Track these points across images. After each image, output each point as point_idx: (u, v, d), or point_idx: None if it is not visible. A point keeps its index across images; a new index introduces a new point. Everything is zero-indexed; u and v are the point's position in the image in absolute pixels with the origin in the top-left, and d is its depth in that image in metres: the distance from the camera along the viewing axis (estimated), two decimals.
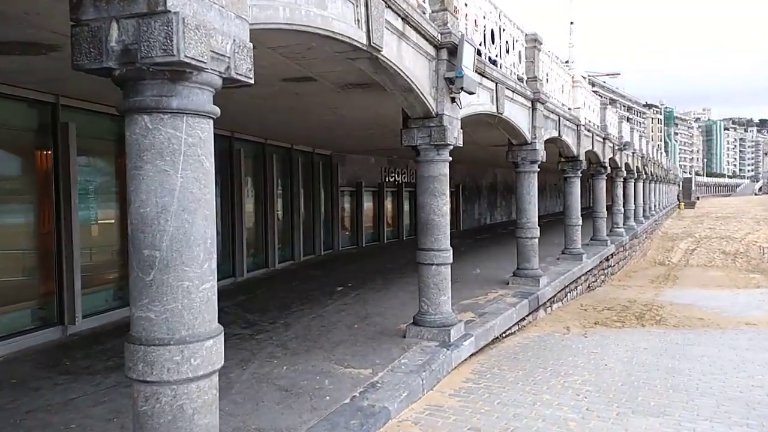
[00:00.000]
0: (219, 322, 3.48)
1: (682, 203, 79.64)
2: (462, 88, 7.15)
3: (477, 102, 8.62)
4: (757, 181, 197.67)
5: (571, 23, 15.92)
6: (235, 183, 12.11)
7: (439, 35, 6.90)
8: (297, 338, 7.52)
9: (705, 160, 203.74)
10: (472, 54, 7.30)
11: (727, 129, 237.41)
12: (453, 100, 7.37)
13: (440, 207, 7.40)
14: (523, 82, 10.91)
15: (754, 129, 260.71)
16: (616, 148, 22.33)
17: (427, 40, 6.71)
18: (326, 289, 11.16)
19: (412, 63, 6.38)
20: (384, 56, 5.45)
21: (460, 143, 7.59)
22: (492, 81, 9.22)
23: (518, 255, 11.64)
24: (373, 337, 7.56)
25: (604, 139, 19.58)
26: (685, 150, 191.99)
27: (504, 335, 9.10)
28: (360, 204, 19.08)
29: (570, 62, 15.16)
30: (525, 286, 11.27)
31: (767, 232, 45.41)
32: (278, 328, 8.09)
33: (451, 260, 7.51)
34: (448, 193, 7.51)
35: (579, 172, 15.70)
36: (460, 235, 24.12)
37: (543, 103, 11.70)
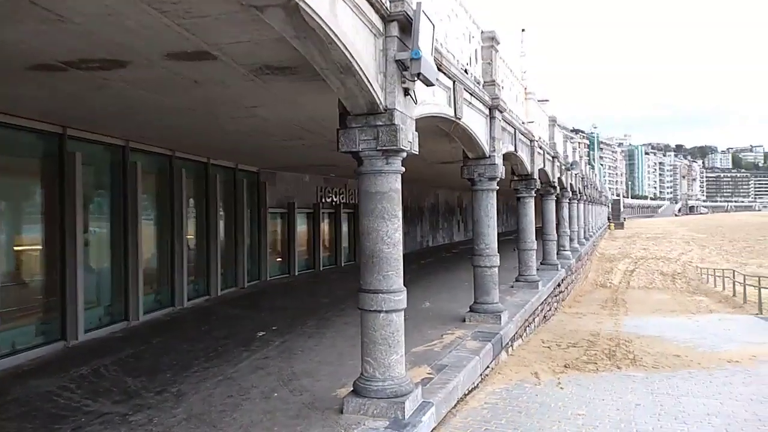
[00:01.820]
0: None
1: (612, 224, 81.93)
2: (419, 76, 5.34)
3: (432, 101, 6.85)
4: (677, 203, 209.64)
5: (523, 30, 14.63)
6: (129, 203, 9.77)
7: (388, 1, 5.08)
8: (189, 420, 5.33)
9: (628, 182, 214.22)
10: (430, 33, 5.52)
11: (648, 153, 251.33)
12: (406, 92, 5.54)
13: (391, 233, 5.50)
14: (480, 85, 9.29)
15: (672, 153, 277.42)
16: (564, 167, 21.36)
17: (372, 5, 4.86)
18: (244, 335, 8.97)
19: (351, 30, 4.50)
20: (308, 4, 3.54)
21: (415, 150, 5.77)
22: (450, 78, 7.50)
23: (476, 286, 9.91)
24: (299, 413, 5.49)
25: (553, 157, 18.47)
26: (610, 173, 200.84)
27: (467, 392, 7.24)
28: (292, 227, 16.93)
29: (522, 72, 13.84)
30: (485, 324, 9.53)
31: (699, 252, 46.68)
32: (166, 401, 5.86)
33: (404, 305, 5.60)
34: (400, 215, 5.63)
35: (533, 192, 14.31)
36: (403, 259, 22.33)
37: (502, 112, 10.14)
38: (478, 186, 9.76)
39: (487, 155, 9.63)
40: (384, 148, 5.34)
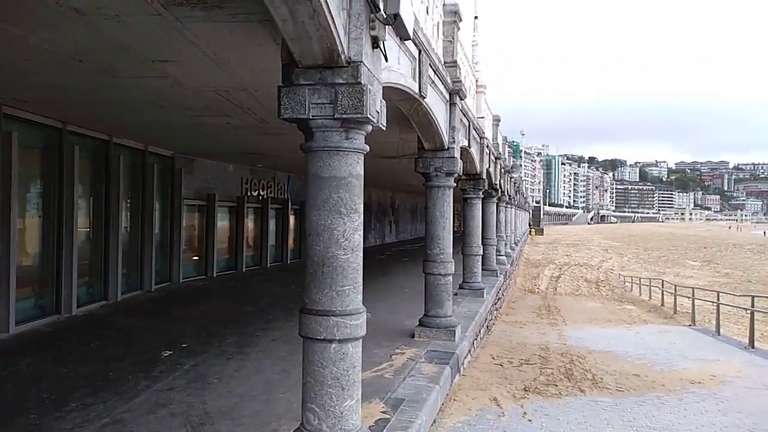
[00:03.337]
0: None
1: (533, 230, 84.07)
2: (395, 19, 3.92)
3: (397, 69, 5.45)
4: (589, 212, 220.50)
5: (476, 18, 13.58)
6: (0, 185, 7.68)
7: None
8: None
9: (546, 191, 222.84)
10: None
11: (564, 164, 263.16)
12: (375, 43, 4.09)
13: (349, 234, 4.02)
14: (441, 64, 7.99)
15: (585, 165, 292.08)
16: (504, 170, 20.67)
17: None
18: (145, 354, 7.16)
19: None
20: None
21: (383, 124, 4.33)
22: (416, 46, 6.12)
23: (427, 297, 8.61)
24: None
25: (496, 158, 17.61)
26: (528, 181, 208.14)
27: None
28: (211, 222, 14.97)
29: (475, 63, 12.81)
30: (437, 341, 8.26)
31: (618, 260, 48.20)
32: None
33: (364, 331, 4.14)
34: (361, 209, 4.16)
35: (481, 193, 13.30)
36: None
37: (462, 99, 8.92)
38: (434, 182, 8.46)
39: (446, 147, 8.35)
40: (344, 116, 3.87)
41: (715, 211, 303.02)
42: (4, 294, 7.79)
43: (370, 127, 4.13)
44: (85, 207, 10.02)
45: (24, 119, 8.20)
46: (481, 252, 13.20)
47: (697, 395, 8.50)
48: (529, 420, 6.97)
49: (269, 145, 11.68)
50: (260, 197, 17.64)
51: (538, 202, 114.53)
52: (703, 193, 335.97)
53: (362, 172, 4.16)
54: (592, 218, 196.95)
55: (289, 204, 19.43)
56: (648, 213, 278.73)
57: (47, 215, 9.04)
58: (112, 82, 6.29)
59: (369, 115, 3.90)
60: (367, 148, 4.17)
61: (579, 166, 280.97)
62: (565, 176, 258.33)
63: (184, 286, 13.20)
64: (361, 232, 4.16)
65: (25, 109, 8.11)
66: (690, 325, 17.12)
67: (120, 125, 9.70)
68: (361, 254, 4.16)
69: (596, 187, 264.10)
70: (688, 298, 19.26)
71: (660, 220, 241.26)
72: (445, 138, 8.24)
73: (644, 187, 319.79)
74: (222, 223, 15.76)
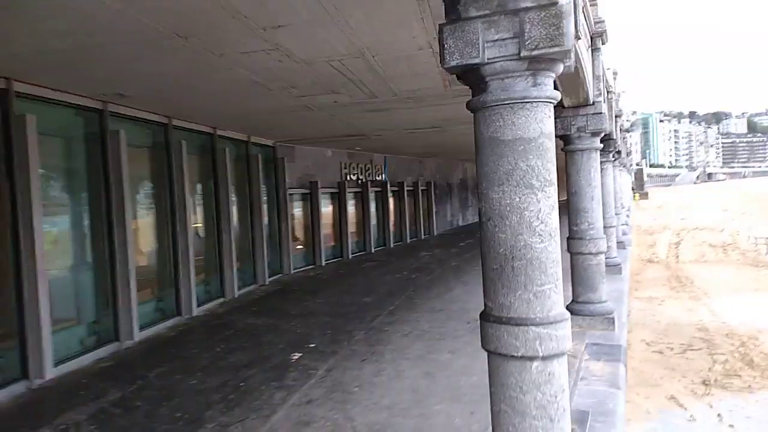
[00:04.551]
0: None
1: (638, 194, 78.64)
2: None
3: None
4: (694, 170, 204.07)
5: None
6: (113, 186, 7.36)
7: None
8: None
9: (645, 151, 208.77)
10: None
11: (662, 121, 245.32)
12: None
13: (544, 215, 3.01)
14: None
15: (686, 120, 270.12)
16: (622, 129, 18.72)
17: None
18: (273, 359, 6.58)
19: None
20: None
21: (571, 64, 3.24)
22: None
23: (575, 280, 7.43)
24: None
25: (617, 116, 15.78)
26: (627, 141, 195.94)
27: None
28: (316, 211, 14.48)
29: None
30: (594, 331, 7.10)
31: (741, 220, 43.58)
32: None
33: (570, 344, 3.12)
34: (555, 181, 3.12)
35: (611, 156, 11.79)
36: (438, 242, 19.89)
37: (604, 43, 7.55)
38: (577, 144, 7.22)
39: (591, 101, 7.08)
40: (535, 52, 2.83)
41: None
42: (126, 300, 7.51)
43: (561, 67, 3.07)
44: (195, 203, 9.69)
45: (129, 116, 7.84)
46: (614, 223, 11.74)
47: None
48: (731, 426, 5.70)
49: (374, 123, 10.83)
50: (360, 181, 16.98)
51: (638, 164, 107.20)
52: None
53: (554, 130, 3.11)
54: (698, 177, 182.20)
55: (387, 186, 18.67)
56: (760, 167, 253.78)
57: (159, 215, 8.75)
58: (217, 62, 5.62)
59: (566, 45, 2.83)
60: (559, 96, 3.11)
61: (679, 122, 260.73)
62: (663, 134, 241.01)
63: (295, 277, 12.80)
64: (557, 212, 3.13)
65: (130, 105, 7.74)
66: None
67: (224, 115, 9.20)
68: (559, 241, 3.13)
69: (700, 143, 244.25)
70: None
71: None
72: (591, 90, 6.97)
73: (754, 139, 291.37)
74: (325, 209, 15.26)
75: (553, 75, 3.06)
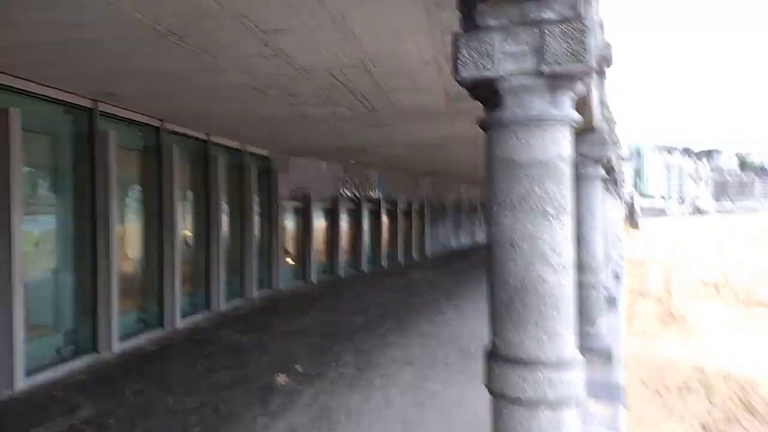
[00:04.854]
0: None
1: (628, 224, 78.90)
2: None
3: None
4: (683, 203, 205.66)
5: None
6: (99, 188, 7.07)
7: None
8: None
9: (636, 181, 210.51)
10: None
11: (654, 152, 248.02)
12: None
13: (559, 245, 2.76)
14: None
15: (678, 153, 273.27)
16: (620, 158, 18.63)
17: None
18: (256, 379, 6.26)
19: None
20: None
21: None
22: None
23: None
24: None
25: (615, 143, 15.69)
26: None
27: None
28: (308, 225, 14.20)
29: None
30: (592, 366, 6.71)
31: (734, 255, 43.53)
32: None
33: (584, 392, 2.85)
34: (571, 209, 2.88)
35: (610, 185, 11.60)
36: (431, 264, 19.62)
37: (609, 67, 7.38)
38: (579, 171, 7.01)
39: (596, 127, 6.89)
40: (556, 69, 2.61)
41: None
42: (107, 309, 7.17)
43: (580, 87, 2.85)
44: (185, 211, 9.39)
45: (120, 117, 7.58)
46: (613, 254, 11.52)
47: None
48: None
49: (372, 139, 10.62)
50: (354, 197, 16.74)
51: (629, 194, 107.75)
52: None
53: (571, 154, 2.88)
54: (689, 210, 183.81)
55: (381, 203, 18.44)
56: (749, 204, 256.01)
57: (147, 221, 8.45)
58: (212, 63, 5.38)
59: (589, 63, 2.61)
60: (578, 117, 2.89)
61: (670, 153, 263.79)
62: (655, 166, 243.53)
63: (284, 293, 12.46)
64: (572, 244, 2.88)
65: (121, 105, 7.48)
66: None
67: (218, 121, 8.96)
68: (572, 275, 2.88)
69: (691, 177, 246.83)
70: None
71: None
72: (596, 115, 6.78)
73: (744, 176, 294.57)
74: (318, 225, 14.98)
75: (572, 94, 2.84)
